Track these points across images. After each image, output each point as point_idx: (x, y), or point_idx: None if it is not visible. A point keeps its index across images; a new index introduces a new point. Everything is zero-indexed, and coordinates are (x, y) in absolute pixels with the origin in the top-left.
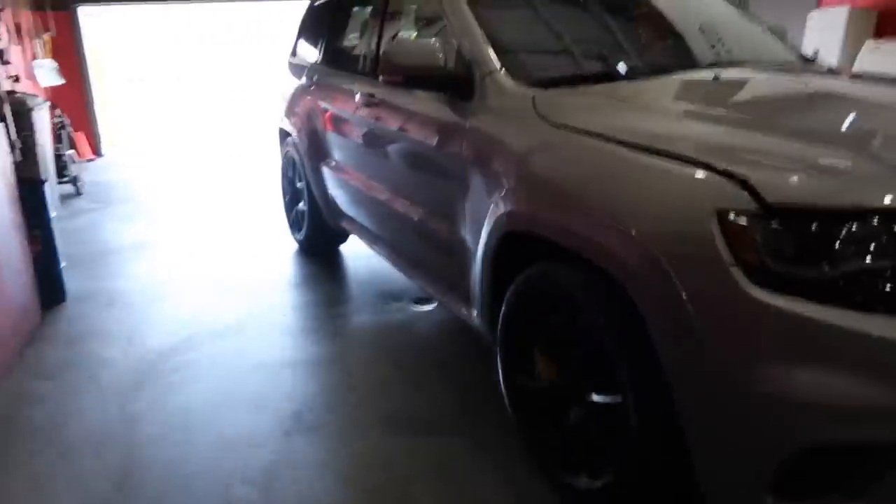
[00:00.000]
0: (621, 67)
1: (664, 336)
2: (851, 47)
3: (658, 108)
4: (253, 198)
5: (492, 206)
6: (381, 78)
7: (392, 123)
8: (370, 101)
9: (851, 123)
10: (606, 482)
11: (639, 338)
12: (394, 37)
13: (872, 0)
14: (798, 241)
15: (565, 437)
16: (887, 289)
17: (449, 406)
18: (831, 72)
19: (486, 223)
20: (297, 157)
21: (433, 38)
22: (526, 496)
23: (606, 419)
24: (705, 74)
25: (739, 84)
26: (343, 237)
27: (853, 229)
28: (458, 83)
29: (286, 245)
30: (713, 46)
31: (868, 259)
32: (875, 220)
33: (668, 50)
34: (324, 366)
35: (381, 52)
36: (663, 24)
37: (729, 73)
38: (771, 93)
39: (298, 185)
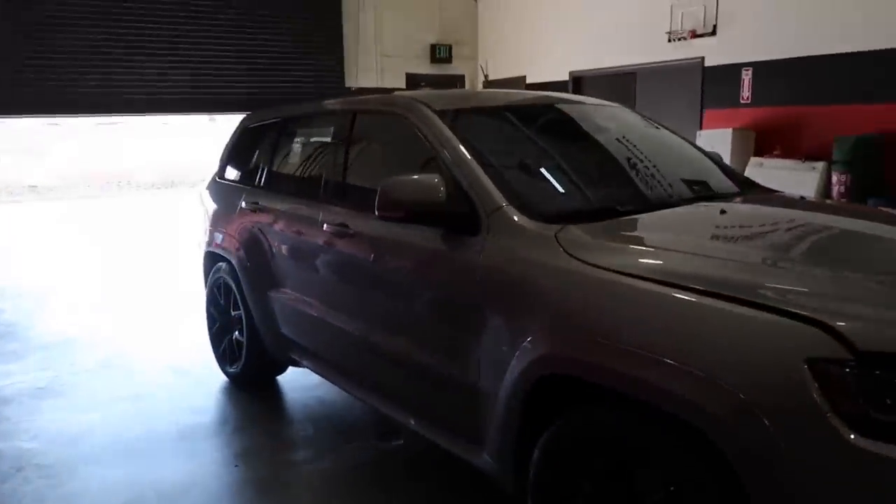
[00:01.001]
0: (622, 199)
1: (759, 485)
2: (736, 164)
3: (699, 245)
4: (159, 325)
5: (519, 350)
6: (376, 213)
7: (377, 257)
8: (343, 232)
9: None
10: None
11: (716, 484)
12: (381, 166)
13: (748, 122)
14: (892, 386)
15: None
16: None
17: None
18: (803, 199)
19: (511, 366)
20: (233, 284)
21: (433, 175)
22: None
23: None
24: (711, 208)
25: (755, 217)
26: (283, 368)
27: None
28: (463, 219)
29: (215, 381)
30: (664, 177)
31: None
32: None
33: (637, 181)
34: None
35: (348, 176)
36: (620, 156)
37: (731, 207)
38: (797, 227)
39: (234, 313)
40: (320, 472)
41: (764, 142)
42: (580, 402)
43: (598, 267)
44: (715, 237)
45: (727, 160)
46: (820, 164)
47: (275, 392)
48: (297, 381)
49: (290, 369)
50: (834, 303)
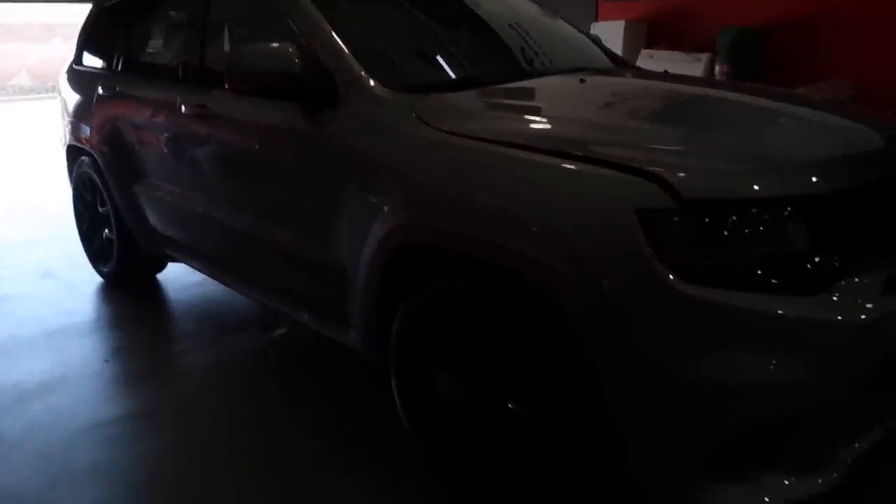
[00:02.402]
0: (489, 71)
1: (595, 335)
2: (629, 55)
3: (551, 110)
4: (30, 229)
5: (376, 221)
6: (226, 86)
7: (237, 138)
8: (202, 113)
9: (732, 120)
10: (530, 493)
11: (560, 340)
12: (239, 42)
13: (641, 14)
14: (713, 233)
15: (482, 454)
16: (795, 271)
17: (334, 440)
18: (665, 73)
19: (369, 239)
20: (97, 179)
21: (286, 43)
22: None
23: (529, 428)
24: (570, 78)
25: (611, 86)
26: (161, 265)
27: (760, 219)
28: (317, 91)
29: (89, 281)
30: (539, 53)
31: (776, 245)
32: (777, 209)
33: (511, 55)
34: (177, 415)
35: (206, 57)
36: (495, 31)
37: (591, 78)
38: (648, 94)
39: (101, 210)
40: (201, 363)
41: (656, 34)
42: (438, 272)
43: (447, 133)
44: (566, 102)
45: (619, 52)
46: (704, 56)
47: (155, 290)
48: (180, 279)
49: (172, 267)
50: (665, 156)
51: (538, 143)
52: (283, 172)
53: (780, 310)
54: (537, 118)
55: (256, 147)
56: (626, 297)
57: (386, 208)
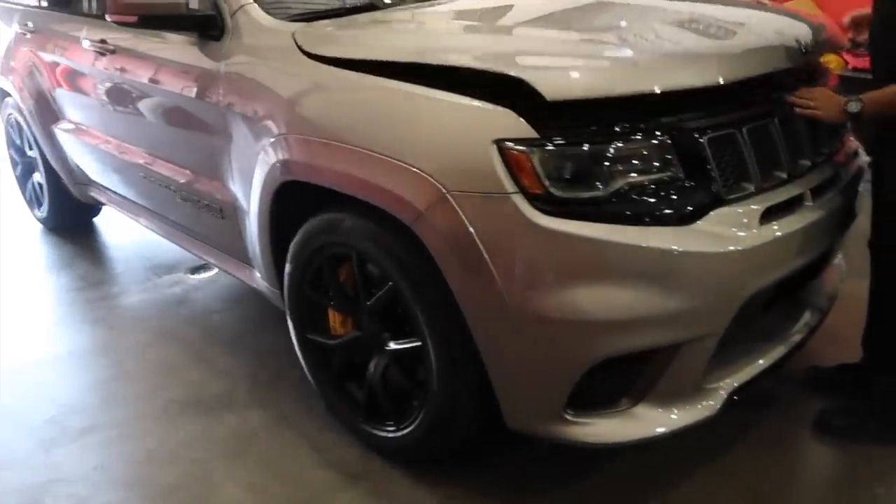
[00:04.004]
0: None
1: (456, 272)
2: None
3: (427, 31)
4: None
5: (260, 156)
6: (108, 18)
7: (134, 73)
8: (104, 49)
9: (619, 23)
10: (415, 427)
11: (431, 278)
12: None
13: None
14: (574, 162)
15: (368, 391)
16: (663, 201)
17: (244, 381)
18: None
19: (256, 176)
20: (23, 122)
21: None
22: (338, 464)
23: (408, 365)
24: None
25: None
26: (96, 209)
27: (620, 145)
28: (204, 21)
29: (28, 226)
30: None
31: (642, 172)
32: (638, 135)
33: None
34: (92, 357)
35: None
36: None
37: None
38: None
39: (30, 153)
40: (124, 306)
41: None
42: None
43: (321, 62)
44: (445, 21)
45: None
46: None
47: (90, 235)
48: (113, 222)
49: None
50: (533, 59)
51: (400, 59)
52: (178, 109)
53: (644, 242)
54: (412, 39)
55: (152, 82)
56: (486, 234)
57: (268, 143)
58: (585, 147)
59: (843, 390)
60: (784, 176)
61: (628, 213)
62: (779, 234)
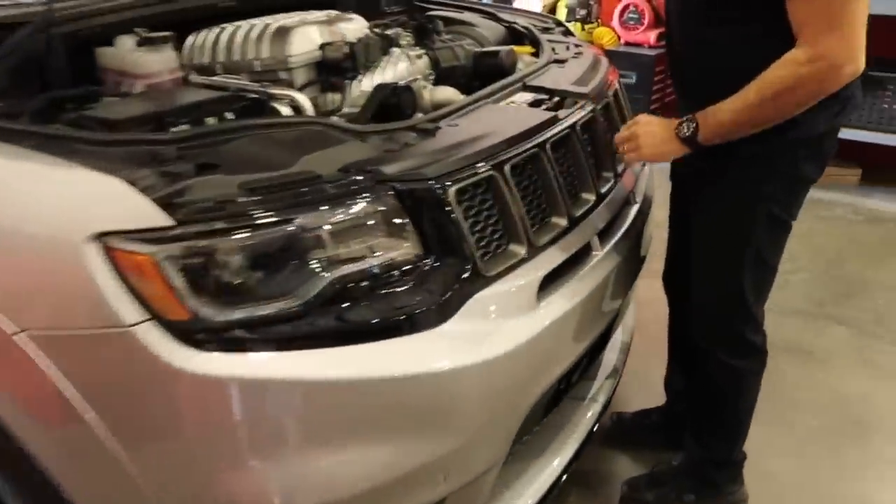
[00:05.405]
0: None
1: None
2: None
3: None
4: None
5: None
6: None
7: None
8: None
9: None
10: None
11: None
12: None
13: None
14: (240, 259)
15: None
16: (379, 304)
17: None
18: None
19: None
20: None
21: None
22: None
23: None
24: None
25: None
26: None
27: (317, 218)
28: None
29: None
30: None
31: (346, 265)
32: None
33: None
34: None
35: None
36: None
37: None
38: None
39: None
40: None
41: None
42: None
43: None
44: None
45: None
46: None
47: None
48: None
49: None
50: None
51: None
52: None
53: (370, 370)
54: None
55: None
56: (98, 397)
57: None
58: (258, 232)
59: (646, 436)
60: (564, 223)
61: (342, 327)
62: (566, 307)
